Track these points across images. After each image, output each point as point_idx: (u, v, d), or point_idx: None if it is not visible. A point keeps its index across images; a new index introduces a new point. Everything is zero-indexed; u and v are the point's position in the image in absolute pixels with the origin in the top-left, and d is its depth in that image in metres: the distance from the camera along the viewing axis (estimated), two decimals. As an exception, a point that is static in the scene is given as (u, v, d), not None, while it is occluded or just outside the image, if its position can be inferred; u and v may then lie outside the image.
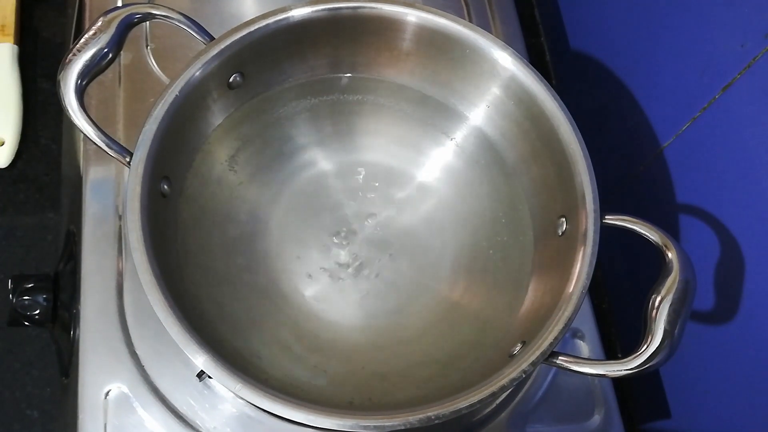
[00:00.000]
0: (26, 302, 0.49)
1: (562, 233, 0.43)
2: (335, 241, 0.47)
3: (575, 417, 0.46)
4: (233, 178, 0.48)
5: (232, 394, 0.39)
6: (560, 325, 0.37)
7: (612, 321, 0.57)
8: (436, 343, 0.44)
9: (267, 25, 0.44)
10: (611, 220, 0.41)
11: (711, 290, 0.46)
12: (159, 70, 0.53)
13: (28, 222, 0.54)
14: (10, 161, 0.55)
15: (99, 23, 0.41)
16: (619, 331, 0.57)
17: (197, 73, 0.43)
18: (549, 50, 0.66)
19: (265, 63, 0.47)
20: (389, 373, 0.43)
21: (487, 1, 0.59)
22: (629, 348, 0.37)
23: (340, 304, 0.45)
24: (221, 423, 0.43)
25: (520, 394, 0.47)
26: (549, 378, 0.47)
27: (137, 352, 0.44)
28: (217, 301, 0.43)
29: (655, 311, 0.38)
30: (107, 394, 0.43)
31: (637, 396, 0.54)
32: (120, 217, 0.48)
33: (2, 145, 0.55)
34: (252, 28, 0.44)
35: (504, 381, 0.36)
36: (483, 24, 0.58)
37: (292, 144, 0.50)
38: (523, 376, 0.36)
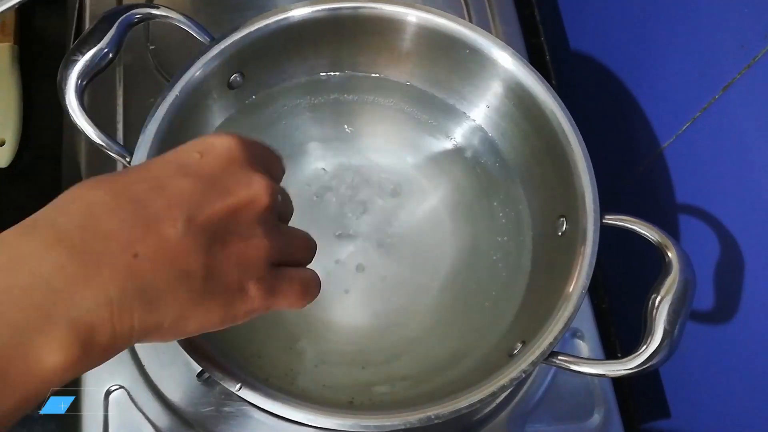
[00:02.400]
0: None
1: (562, 233, 0.43)
2: (335, 241, 0.47)
3: (575, 416, 0.46)
4: (233, 178, 0.48)
5: (233, 394, 0.39)
6: (560, 325, 0.38)
7: (612, 321, 0.57)
8: (435, 342, 0.44)
9: (267, 24, 0.44)
10: (611, 220, 0.41)
11: (711, 290, 0.46)
12: (159, 70, 0.53)
13: (28, 222, 0.54)
14: (10, 161, 0.55)
15: (99, 23, 0.41)
16: (618, 331, 0.57)
17: (197, 73, 0.43)
18: (549, 50, 0.66)
19: (266, 63, 0.47)
20: (389, 372, 0.43)
21: (487, 1, 0.59)
22: (629, 348, 0.37)
23: (340, 303, 0.45)
24: (221, 423, 0.43)
25: (520, 394, 0.47)
26: (549, 378, 0.47)
27: (137, 351, 0.44)
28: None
29: (654, 311, 0.38)
30: (108, 393, 0.43)
31: (637, 395, 0.54)
32: (120, 217, 0.48)
33: (2, 145, 0.55)
34: (252, 27, 0.44)
35: (504, 381, 0.36)
36: (483, 24, 0.58)
37: (292, 144, 0.50)
38: (523, 375, 0.36)
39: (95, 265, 0.22)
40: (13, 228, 0.23)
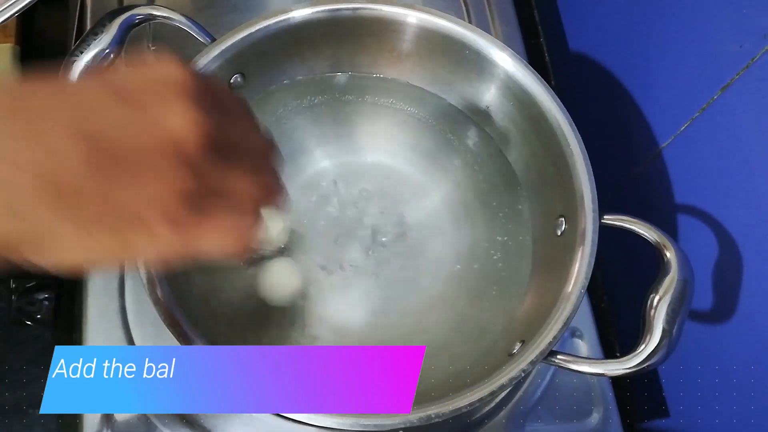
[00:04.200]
0: (28, 302, 0.50)
1: (561, 233, 0.43)
2: (335, 241, 0.47)
3: (574, 415, 0.47)
4: (234, 178, 0.48)
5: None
6: (559, 325, 0.38)
7: (610, 320, 0.58)
8: (435, 342, 0.44)
9: (268, 26, 0.45)
10: (610, 220, 0.41)
11: (709, 289, 0.46)
12: (160, 71, 0.53)
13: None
14: (11, 161, 0.55)
15: (100, 24, 0.41)
16: (617, 331, 0.57)
17: (198, 74, 0.43)
18: (548, 51, 0.66)
19: (266, 64, 0.47)
20: (389, 372, 0.43)
21: (487, 2, 0.60)
22: (628, 347, 0.38)
23: (340, 303, 0.45)
24: (222, 422, 0.43)
25: (520, 393, 0.47)
26: (548, 377, 0.48)
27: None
28: (218, 300, 0.43)
29: (653, 310, 0.38)
30: (109, 392, 0.43)
31: (636, 395, 0.54)
32: (121, 217, 0.48)
33: (4, 145, 0.55)
34: (253, 29, 0.44)
35: (503, 380, 0.36)
36: (482, 25, 0.58)
37: (292, 144, 0.50)
38: (523, 374, 0.37)
39: None
40: None
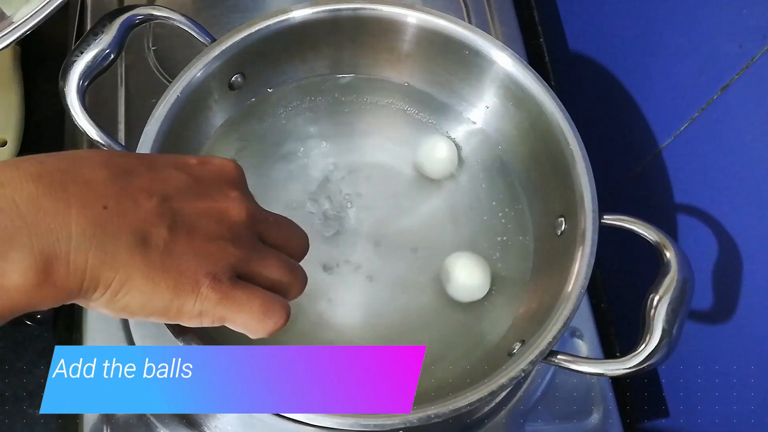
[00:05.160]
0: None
1: (561, 233, 0.43)
2: (336, 240, 0.47)
3: (574, 415, 0.47)
4: (234, 178, 0.48)
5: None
6: (559, 324, 0.38)
7: (610, 320, 0.58)
8: (435, 342, 0.45)
9: (268, 26, 0.45)
10: (610, 220, 0.41)
11: (709, 289, 0.47)
12: (161, 71, 0.53)
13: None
14: (12, 161, 0.55)
15: (100, 24, 0.41)
16: (617, 330, 0.57)
17: (198, 74, 0.43)
18: (548, 51, 0.66)
19: (266, 64, 0.47)
20: (389, 372, 0.43)
21: (487, 2, 0.60)
22: (627, 347, 0.38)
23: (340, 303, 0.46)
24: (223, 422, 0.43)
25: (520, 393, 0.47)
26: (548, 377, 0.48)
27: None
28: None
29: (653, 310, 0.38)
30: (109, 392, 0.43)
31: (636, 395, 0.54)
32: (122, 217, 0.48)
33: (4, 145, 0.55)
34: (253, 29, 0.44)
35: (503, 380, 0.36)
36: (482, 25, 0.58)
37: (292, 144, 0.50)
38: (523, 374, 0.37)
39: (65, 203, 0.25)
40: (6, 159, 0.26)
